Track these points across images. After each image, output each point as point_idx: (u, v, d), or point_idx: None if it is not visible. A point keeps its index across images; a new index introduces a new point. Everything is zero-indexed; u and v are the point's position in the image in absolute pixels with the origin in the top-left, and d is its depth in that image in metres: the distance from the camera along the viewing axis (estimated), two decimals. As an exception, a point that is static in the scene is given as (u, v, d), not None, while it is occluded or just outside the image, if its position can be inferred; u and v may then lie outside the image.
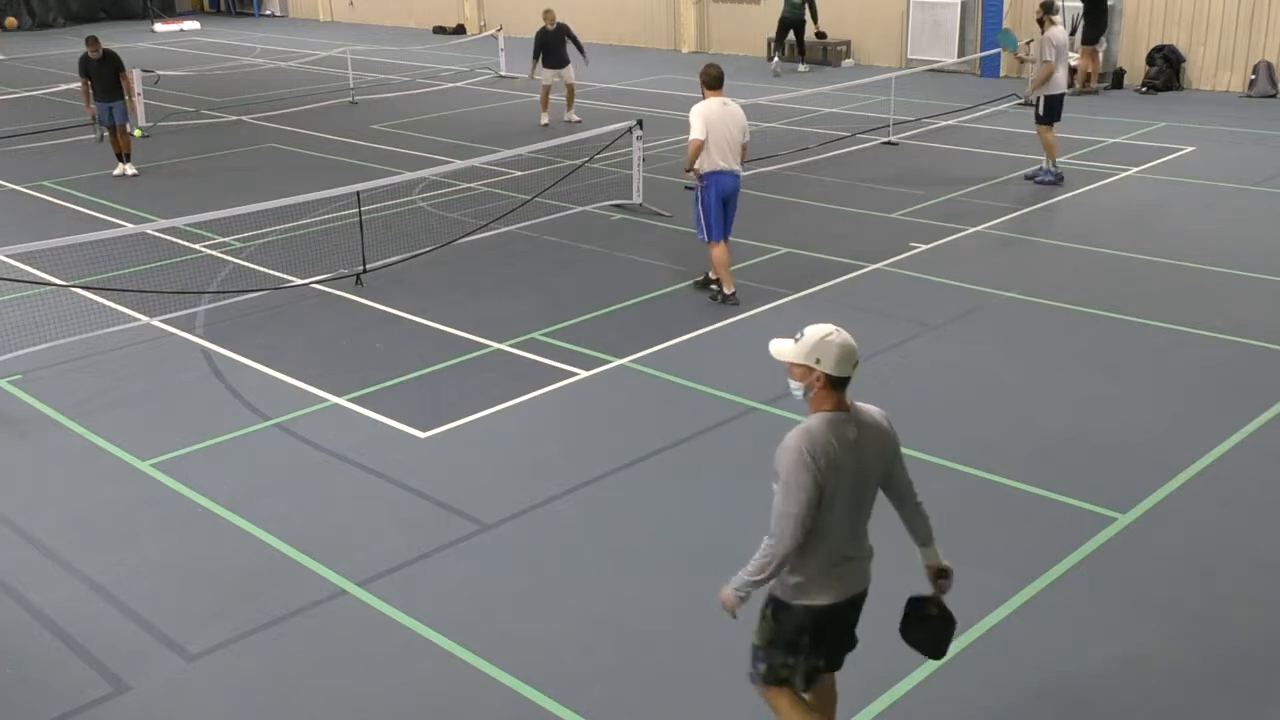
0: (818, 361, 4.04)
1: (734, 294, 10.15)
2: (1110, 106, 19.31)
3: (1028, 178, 14.12)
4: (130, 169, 15.82)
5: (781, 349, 4.16)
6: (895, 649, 5.50)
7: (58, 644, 5.71)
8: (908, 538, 4.44)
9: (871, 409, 4.22)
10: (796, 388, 4.10)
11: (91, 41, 15.65)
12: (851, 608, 4.33)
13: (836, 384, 4.06)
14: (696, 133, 9.76)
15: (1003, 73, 22.17)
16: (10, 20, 31.68)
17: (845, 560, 4.18)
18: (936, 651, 4.51)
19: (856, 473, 4.06)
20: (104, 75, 15.56)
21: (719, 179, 9.88)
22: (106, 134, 15.89)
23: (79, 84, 15.82)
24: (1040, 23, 13.88)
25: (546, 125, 18.27)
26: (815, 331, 4.09)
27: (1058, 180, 13.95)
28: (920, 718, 5.09)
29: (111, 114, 15.64)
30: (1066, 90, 14.09)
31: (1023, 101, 14.11)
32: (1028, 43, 14.73)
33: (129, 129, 16.13)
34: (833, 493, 4.00)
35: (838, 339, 4.06)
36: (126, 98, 15.90)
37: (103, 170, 15.94)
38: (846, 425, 4.06)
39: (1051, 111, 13.76)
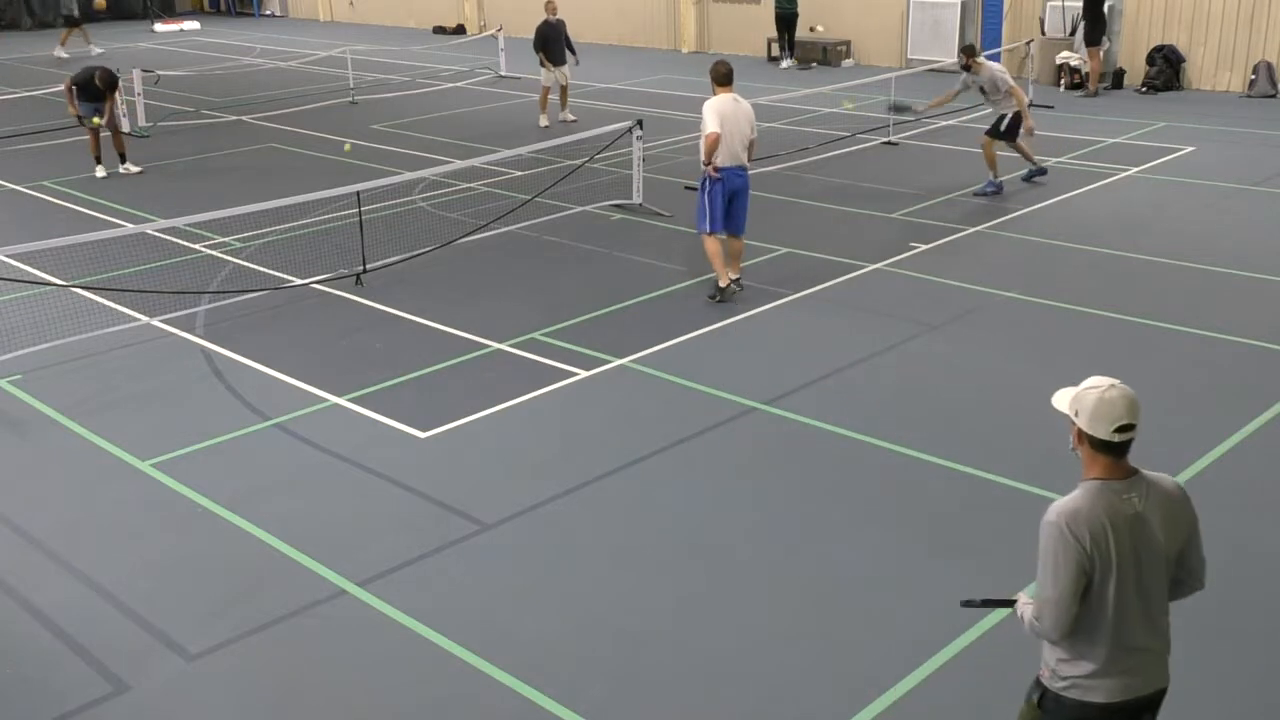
0: (1075, 414, 3.55)
1: (726, 289, 10.22)
2: (1110, 106, 19.32)
3: (977, 194, 13.62)
4: (102, 171, 15.67)
5: (1060, 399, 3.69)
6: (894, 649, 5.52)
7: (58, 644, 5.71)
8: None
9: (1165, 477, 3.63)
10: (1070, 440, 3.63)
11: (105, 76, 15.30)
12: (1145, 709, 3.70)
13: (1099, 446, 3.51)
14: (711, 126, 9.88)
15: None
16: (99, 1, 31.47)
17: (1130, 652, 3.58)
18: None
19: (1137, 551, 3.50)
20: (93, 90, 15.38)
21: (728, 174, 10.01)
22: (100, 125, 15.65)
23: (64, 85, 15.53)
24: (968, 67, 13.47)
25: (546, 127, 18.15)
26: (1086, 381, 3.58)
27: (999, 190, 13.59)
28: (920, 717, 5.09)
29: (99, 113, 15.47)
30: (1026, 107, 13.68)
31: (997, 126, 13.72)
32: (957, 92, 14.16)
33: (122, 128, 16.14)
34: (1104, 575, 3.48)
35: (1097, 392, 3.49)
36: (107, 106, 15.56)
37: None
38: (1124, 495, 3.50)
39: (1013, 128, 13.44)
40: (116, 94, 15.77)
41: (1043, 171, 14.09)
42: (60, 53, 28.83)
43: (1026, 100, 13.55)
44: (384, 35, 32.46)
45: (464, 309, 10.21)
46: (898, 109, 15.66)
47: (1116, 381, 3.54)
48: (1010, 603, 3.86)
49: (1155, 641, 3.66)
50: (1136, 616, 3.57)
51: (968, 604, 3.99)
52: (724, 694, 5.26)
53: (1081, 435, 3.54)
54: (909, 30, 23.63)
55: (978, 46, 14.37)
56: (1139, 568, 3.53)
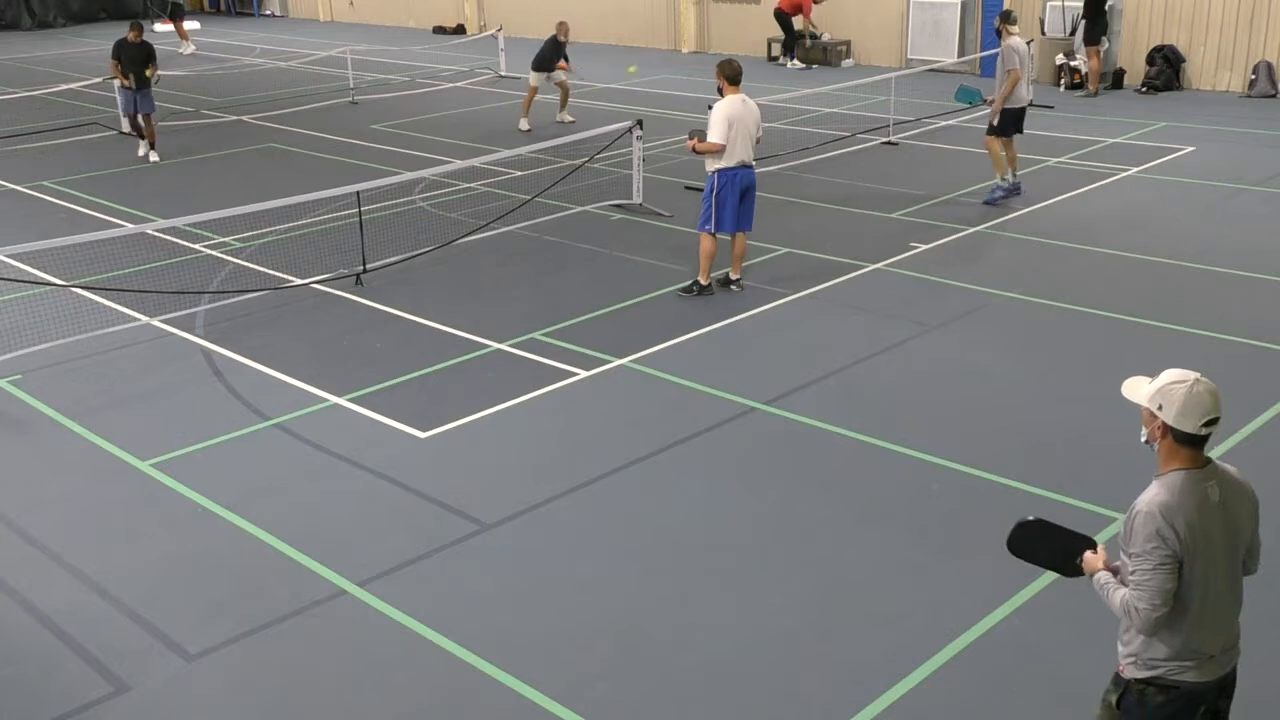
0: (1160, 408, 3.60)
1: (709, 286, 10.39)
2: (1110, 106, 19.32)
3: (986, 203, 13.20)
4: (154, 155, 16.56)
5: (1133, 389, 3.73)
6: (894, 649, 5.52)
7: (58, 644, 5.71)
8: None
9: (1229, 466, 3.77)
10: (1144, 434, 3.70)
11: (136, 27, 16.48)
12: (1225, 692, 3.86)
13: (1183, 439, 3.59)
14: (719, 137, 10.02)
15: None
16: None
17: (1217, 634, 3.72)
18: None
19: (1222, 537, 3.64)
20: (136, 60, 16.22)
21: (739, 174, 10.15)
22: (126, 126, 16.70)
23: (110, 64, 16.62)
24: (999, 33, 13.16)
25: (529, 130, 17.92)
26: (1167, 375, 3.65)
27: (1013, 192, 13.18)
28: (921, 717, 5.09)
29: (136, 103, 16.42)
30: (1028, 103, 13.24)
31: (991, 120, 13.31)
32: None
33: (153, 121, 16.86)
34: (1194, 562, 3.58)
35: (1184, 388, 3.57)
36: (151, 86, 16.58)
37: (102, 170, 15.96)
38: (1207, 483, 3.62)
39: (1005, 125, 13.05)
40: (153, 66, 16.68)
41: (1016, 190, 13.35)
42: (187, 49, 29.41)
43: (1009, 90, 12.82)
44: (384, 35, 32.45)
45: (464, 309, 10.21)
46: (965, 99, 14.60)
47: (1199, 375, 3.61)
48: (1080, 542, 3.87)
49: (1235, 624, 3.79)
50: (1222, 600, 3.69)
51: (1024, 526, 3.93)
52: (724, 694, 5.26)
53: (1166, 429, 3.60)
54: (909, 30, 23.64)
55: (1014, 14, 13.56)
56: (1223, 553, 3.64)
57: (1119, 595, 3.68)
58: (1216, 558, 3.64)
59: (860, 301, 10.25)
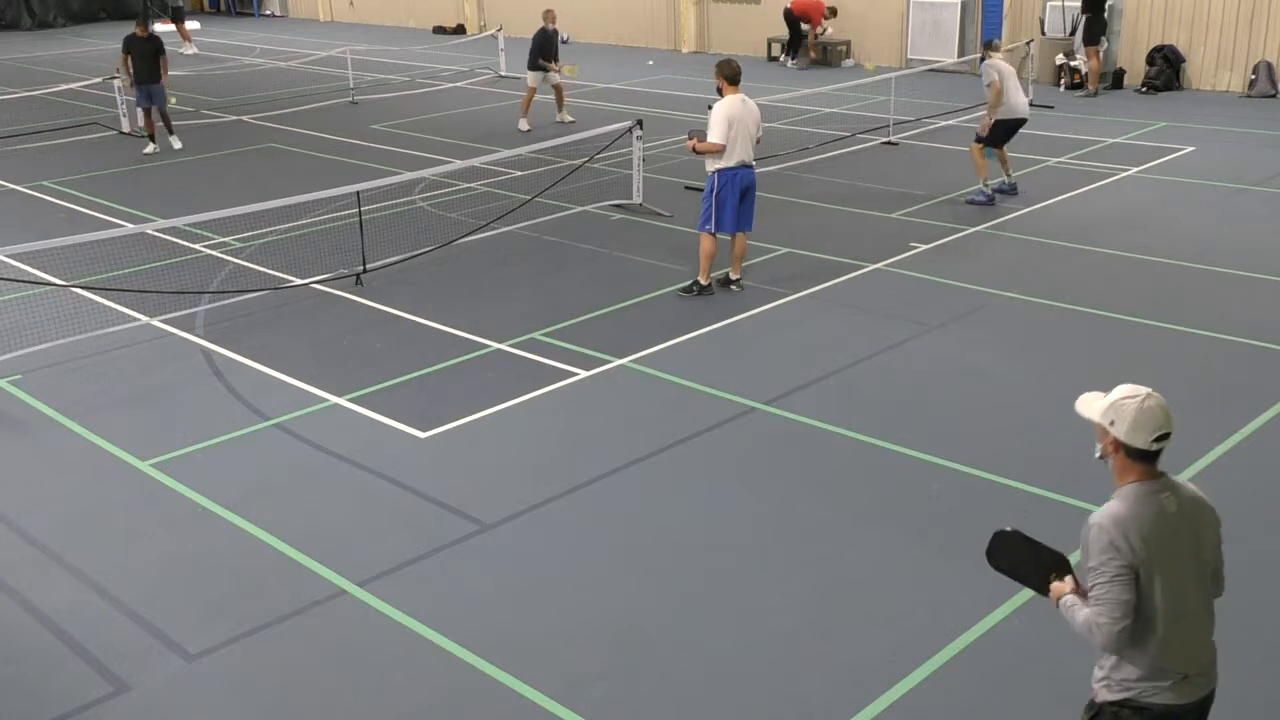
0: (1111, 424, 3.58)
1: (709, 286, 10.40)
2: (1110, 106, 19.31)
3: (968, 201, 13.32)
4: (177, 142, 17.10)
5: (1086, 405, 3.70)
6: (894, 649, 5.52)
7: (58, 644, 5.71)
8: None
9: (1185, 482, 3.73)
10: (1098, 450, 3.68)
11: (141, 22, 17.07)
12: (1202, 712, 3.72)
13: (1135, 455, 3.57)
14: (719, 137, 10.02)
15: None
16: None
17: (1188, 652, 3.62)
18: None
19: (1181, 550, 3.57)
20: (145, 54, 16.62)
21: (739, 174, 10.16)
22: (141, 123, 17.09)
23: (119, 58, 17.34)
24: (982, 58, 13.52)
25: (529, 130, 17.92)
26: (1119, 390, 3.62)
27: (990, 201, 13.17)
28: (920, 717, 5.09)
29: (150, 96, 16.80)
30: (1021, 114, 13.17)
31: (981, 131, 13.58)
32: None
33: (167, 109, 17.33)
34: (1153, 576, 3.51)
35: (1135, 403, 3.55)
36: (163, 79, 16.96)
37: (102, 170, 15.96)
38: (1162, 495, 3.58)
39: (995, 135, 13.07)
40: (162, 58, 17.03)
41: (1013, 191, 13.54)
42: (188, 49, 29.18)
43: (994, 103, 12.93)
44: (384, 35, 32.45)
45: (464, 309, 10.21)
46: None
47: (1151, 390, 3.59)
48: (1054, 559, 3.80)
49: (1210, 645, 3.70)
50: (1194, 619, 3.62)
51: (1002, 536, 3.90)
52: (724, 694, 5.26)
53: (1118, 444, 3.58)
54: (909, 30, 23.63)
55: (995, 41, 14.08)
56: (1184, 566, 3.58)
57: (1081, 614, 3.61)
58: (1181, 572, 3.57)
59: (860, 301, 10.25)
